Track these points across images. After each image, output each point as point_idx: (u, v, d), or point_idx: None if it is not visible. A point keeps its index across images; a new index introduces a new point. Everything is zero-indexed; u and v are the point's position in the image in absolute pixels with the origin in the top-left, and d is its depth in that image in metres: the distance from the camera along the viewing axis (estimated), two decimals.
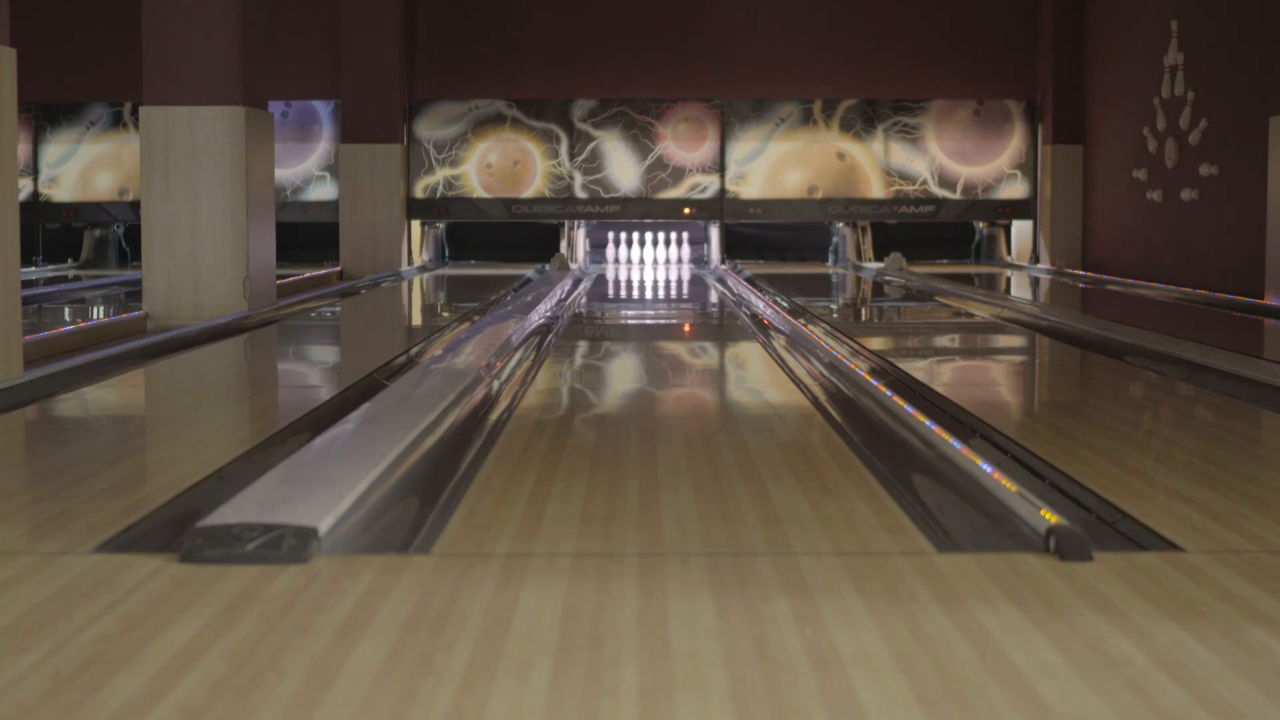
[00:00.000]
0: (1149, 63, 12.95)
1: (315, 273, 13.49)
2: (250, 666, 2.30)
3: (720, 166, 15.71)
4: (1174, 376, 6.20)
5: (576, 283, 12.84)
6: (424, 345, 7.38)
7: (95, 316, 9.54)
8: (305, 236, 15.49)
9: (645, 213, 15.86)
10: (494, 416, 4.79)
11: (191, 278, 9.05)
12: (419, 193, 15.46)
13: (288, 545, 2.97)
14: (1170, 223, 12.62)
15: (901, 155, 15.70)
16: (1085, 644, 2.43)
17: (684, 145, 15.76)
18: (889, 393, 5.15)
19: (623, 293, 12.76)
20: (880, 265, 14.97)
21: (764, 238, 16.33)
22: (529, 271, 14.48)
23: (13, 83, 5.73)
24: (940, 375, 6.67)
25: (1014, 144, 15.68)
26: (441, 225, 16.10)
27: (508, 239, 16.30)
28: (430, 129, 15.53)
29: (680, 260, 16.44)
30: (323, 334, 9.23)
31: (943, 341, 8.54)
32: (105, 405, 5.76)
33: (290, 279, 11.89)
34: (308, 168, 15.75)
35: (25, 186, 15.43)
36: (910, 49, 15.58)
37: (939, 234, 16.16)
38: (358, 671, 2.30)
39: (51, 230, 15.85)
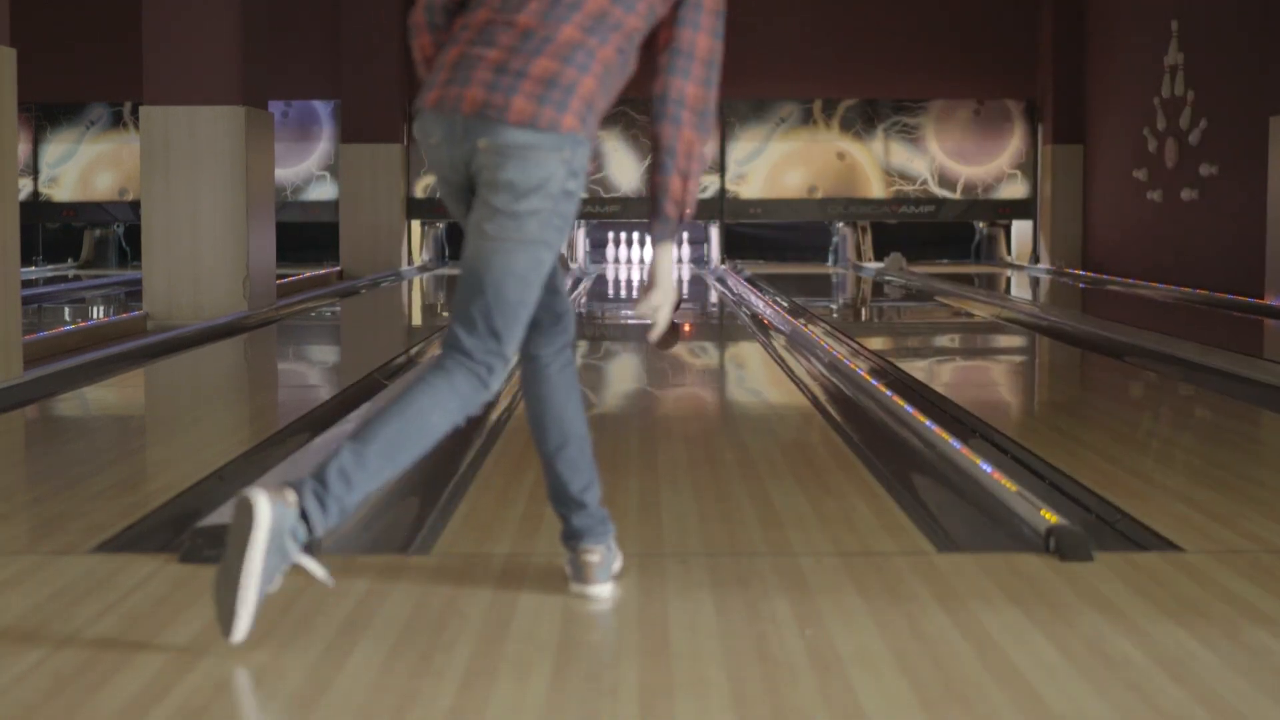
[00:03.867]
0: (1149, 63, 12.95)
1: (315, 273, 13.48)
2: (250, 666, 2.30)
3: (720, 166, 15.70)
4: (1174, 376, 6.20)
5: (576, 282, 12.84)
6: (424, 345, 7.38)
7: (95, 316, 9.54)
8: (305, 236, 15.47)
9: (645, 213, 15.78)
10: (494, 416, 4.79)
11: (191, 278, 9.05)
12: (419, 193, 15.46)
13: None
14: (1170, 223, 12.62)
15: (901, 155, 15.70)
16: (1085, 644, 2.43)
17: None
18: (889, 393, 5.15)
19: (622, 292, 12.76)
20: (880, 265, 14.97)
21: (764, 238, 16.33)
22: None
23: (13, 83, 5.73)
24: (940, 375, 6.67)
25: (1014, 144, 15.67)
26: (442, 225, 16.09)
27: None
28: None
29: (680, 260, 16.43)
30: (323, 334, 9.22)
31: (943, 341, 8.54)
32: (105, 405, 5.76)
33: (290, 279, 11.88)
34: (308, 168, 15.75)
35: (25, 186, 15.43)
36: (910, 49, 15.57)
37: (939, 234, 16.16)
38: (358, 671, 2.30)
39: (51, 230, 15.85)
